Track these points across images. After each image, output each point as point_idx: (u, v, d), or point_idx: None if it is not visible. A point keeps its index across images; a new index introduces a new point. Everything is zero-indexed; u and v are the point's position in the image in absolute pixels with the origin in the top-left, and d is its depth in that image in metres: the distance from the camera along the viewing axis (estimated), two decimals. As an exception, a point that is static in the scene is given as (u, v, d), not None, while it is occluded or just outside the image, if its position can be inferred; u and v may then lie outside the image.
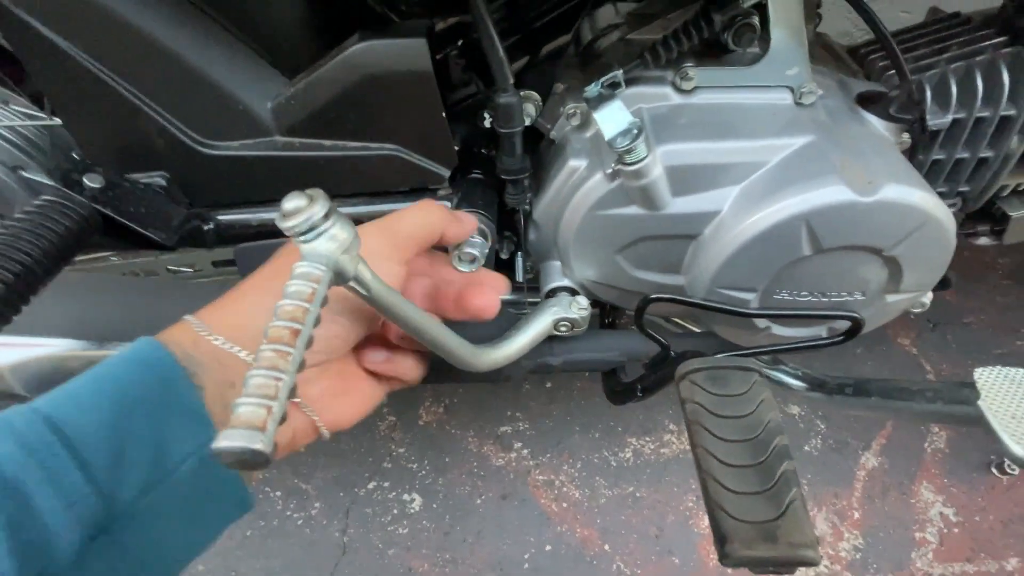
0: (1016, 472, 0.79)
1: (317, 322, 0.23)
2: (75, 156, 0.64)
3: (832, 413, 0.86)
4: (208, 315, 0.31)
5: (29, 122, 0.58)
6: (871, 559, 0.74)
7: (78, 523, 0.22)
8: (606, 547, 0.76)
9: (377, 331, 0.36)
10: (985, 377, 0.38)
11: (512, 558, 0.75)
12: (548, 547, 0.76)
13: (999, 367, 0.39)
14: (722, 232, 0.40)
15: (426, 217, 0.35)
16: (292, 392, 0.20)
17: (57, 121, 0.56)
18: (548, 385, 0.91)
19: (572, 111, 0.46)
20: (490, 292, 0.36)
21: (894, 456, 0.82)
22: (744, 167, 0.40)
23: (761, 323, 0.46)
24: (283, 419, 0.19)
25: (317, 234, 0.25)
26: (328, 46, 0.44)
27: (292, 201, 0.25)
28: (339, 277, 0.26)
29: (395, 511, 0.79)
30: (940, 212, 0.37)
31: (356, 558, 0.76)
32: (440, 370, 0.43)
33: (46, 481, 0.22)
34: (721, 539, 0.31)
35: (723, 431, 0.36)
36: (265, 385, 0.19)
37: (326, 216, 0.25)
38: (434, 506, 0.80)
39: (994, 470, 0.80)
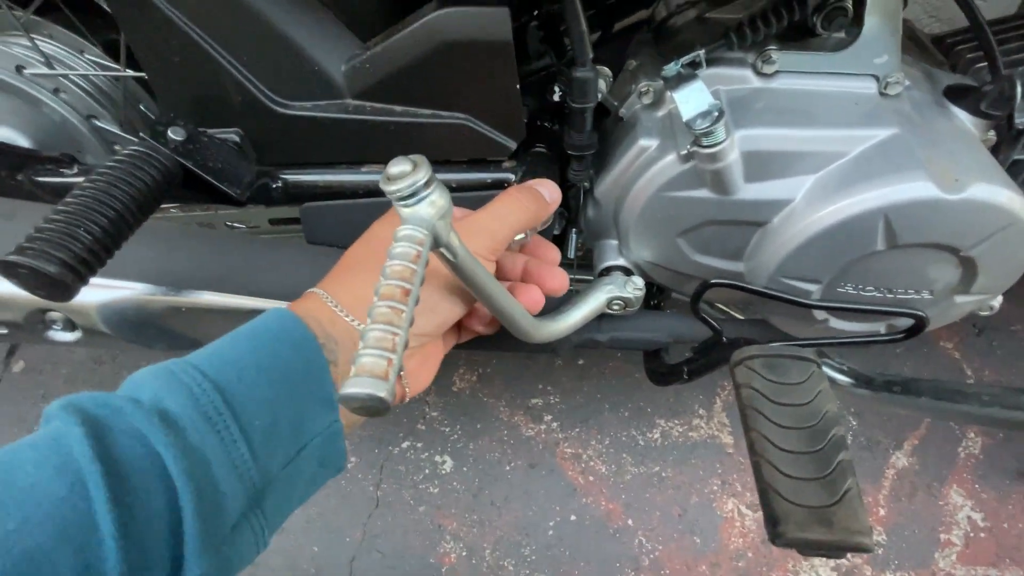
0: (1051, 483, 0.78)
1: (421, 282, 0.24)
2: (143, 109, 0.66)
3: (865, 411, 0.86)
4: (337, 291, 0.32)
5: (103, 72, 0.60)
6: (893, 555, 0.75)
7: (244, 493, 0.24)
8: (629, 522, 0.78)
9: None
10: (1050, 385, 0.38)
11: (537, 524, 0.78)
12: (573, 517, 0.78)
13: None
14: (793, 221, 0.40)
15: (522, 215, 0.37)
16: (405, 346, 0.21)
17: (130, 72, 0.57)
18: (580, 362, 0.92)
19: (645, 89, 0.45)
20: (560, 274, 0.37)
21: (926, 457, 0.82)
22: (822, 156, 0.39)
23: (820, 315, 0.45)
24: (401, 370, 0.20)
25: (419, 199, 0.26)
26: (404, 11, 0.44)
27: (397, 166, 0.26)
28: (434, 242, 0.27)
29: (427, 471, 0.82)
30: (1026, 213, 0.36)
31: (388, 511, 0.79)
32: (485, 339, 0.44)
33: (222, 451, 0.24)
34: (774, 520, 0.32)
35: (780, 417, 0.36)
36: (383, 339, 0.21)
37: (427, 183, 0.26)
38: (464, 469, 0.82)
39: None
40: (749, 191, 0.40)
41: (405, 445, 0.85)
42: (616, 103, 0.49)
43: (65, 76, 0.59)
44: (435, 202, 0.26)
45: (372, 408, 0.20)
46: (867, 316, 0.44)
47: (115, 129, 0.62)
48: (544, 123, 0.52)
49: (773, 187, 0.40)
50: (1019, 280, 0.41)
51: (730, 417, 0.86)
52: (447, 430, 0.86)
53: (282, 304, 0.47)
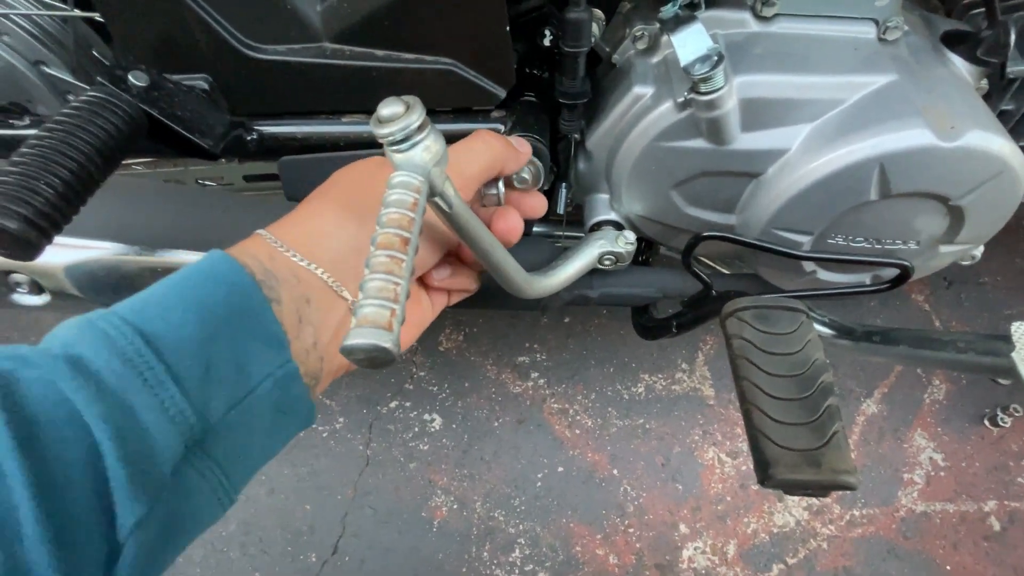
0: (1008, 424, 0.83)
1: (420, 231, 0.23)
2: (95, 53, 0.61)
3: (839, 361, 0.89)
4: (282, 231, 0.30)
5: (50, 12, 0.55)
6: (860, 495, 0.80)
7: (179, 436, 0.23)
8: (615, 471, 0.81)
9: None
10: (1022, 332, 0.39)
11: (526, 477, 0.80)
12: (560, 468, 0.81)
13: (1038, 321, 0.39)
14: (788, 172, 0.40)
15: (490, 154, 0.35)
16: (407, 296, 0.20)
17: (80, 13, 0.52)
18: (566, 320, 0.92)
19: (640, 33, 0.43)
20: (512, 217, 0.35)
21: (893, 404, 0.86)
22: (820, 104, 0.39)
23: (808, 266, 0.46)
24: (403, 320, 0.20)
25: (412, 144, 0.24)
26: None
27: (389, 107, 0.24)
28: (429, 191, 0.26)
29: (416, 429, 0.83)
30: (1018, 163, 0.36)
31: (379, 469, 0.80)
32: (474, 297, 0.43)
33: (148, 394, 0.22)
34: (764, 464, 0.33)
35: (770, 366, 0.37)
36: (385, 288, 0.20)
37: (421, 126, 0.24)
38: (453, 426, 0.83)
39: (986, 422, 0.84)
40: (745, 140, 0.40)
41: (394, 405, 0.85)
42: (609, 49, 0.47)
43: (6, 16, 0.53)
44: (430, 147, 0.25)
45: (377, 359, 0.19)
46: (855, 267, 0.45)
47: (67, 76, 0.57)
48: (534, 70, 0.50)
49: (770, 136, 0.39)
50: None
51: (711, 371, 0.88)
52: (435, 389, 0.86)
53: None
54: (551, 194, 0.56)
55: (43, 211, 0.33)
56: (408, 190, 0.23)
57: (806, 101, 0.39)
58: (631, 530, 0.77)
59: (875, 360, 0.85)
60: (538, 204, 0.40)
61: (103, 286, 0.43)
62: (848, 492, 0.80)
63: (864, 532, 0.78)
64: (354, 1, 0.42)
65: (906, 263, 0.42)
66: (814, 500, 0.80)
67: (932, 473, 0.81)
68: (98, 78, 0.40)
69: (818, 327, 0.56)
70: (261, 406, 0.27)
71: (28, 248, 0.33)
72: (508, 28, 0.41)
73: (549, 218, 0.60)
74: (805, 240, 0.42)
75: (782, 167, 0.40)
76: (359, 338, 0.18)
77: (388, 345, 0.18)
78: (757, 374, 0.37)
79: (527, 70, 0.50)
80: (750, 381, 0.37)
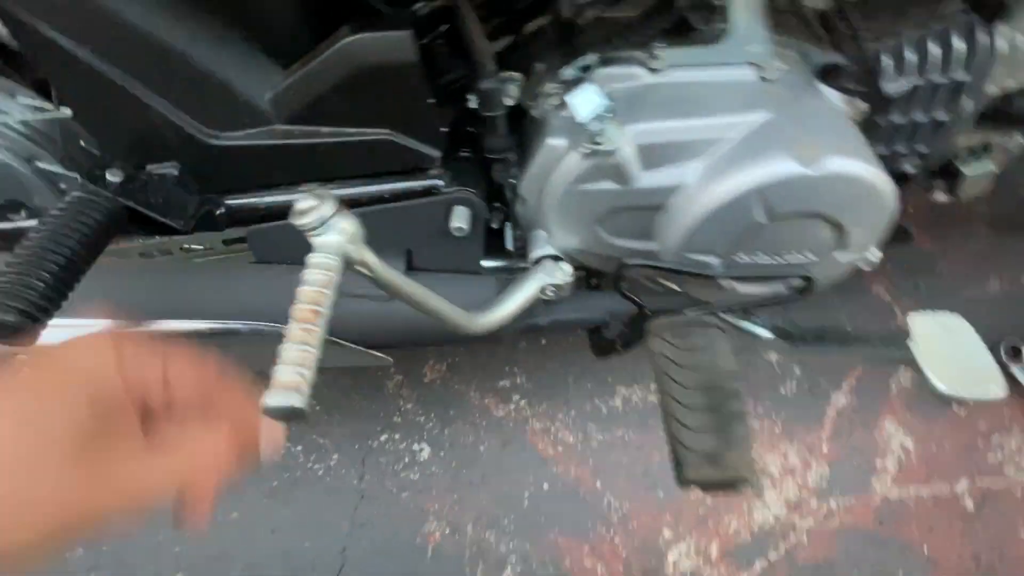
0: (972, 405, 0.86)
1: (332, 305, 0.28)
2: (82, 144, 0.67)
3: (807, 359, 0.93)
4: None
5: (37, 116, 0.61)
6: (835, 486, 0.83)
7: None
8: (598, 484, 0.84)
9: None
10: (918, 321, 0.44)
11: (513, 496, 0.84)
12: (545, 485, 0.84)
13: (933, 311, 0.44)
14: (688, 203, 0.45)
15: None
16: (318, 363, 0.25)
17: (66, 112, 0.59)
18: (543, 343, 0.97)
19: (552, 91, 0.49)
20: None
21: (862, 395, 0.89)
22: (708, 143, 0.44)
23: (726, 283, 0.51)
24: (312, 383, 0.25)
25: (327, 228, 0.30)
26: (320, 36, 0.47)
27: (305, 202, 0.29)
28: (347, 263, 0.31)
29: (406, 459, 0.87)
30: (879, 180, 0.41)
31: (373, 502, 0.84)
32: (432, 335, 0.48)
33: None
34: (677, 466, 0.37)
35: (684, 378, 0.41)
36: (299, 357, 0.25)
37: (334, 213, 0.30)
38: (441, 454, 0.87)
39: (952, 404, 0.87)
40: (646, 179, 0.45)
41: (383, 438, 0.89)
42: (530, 104, 0.53)
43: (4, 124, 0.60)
44: (344, 229, 0.30)
45: (291, 416, 0.24)
46: (763, 280, 0.50)
47: (58, 169, 0.64)
48: (468, 128, 0.55)
49: (667, 174, 0.45)
50: (942, 224, 0.46)
51: (684, 378, 0.92)
52: (422, 419, 0.91)
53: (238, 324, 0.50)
54: (501, 233, 0.61)
55: (36, 303, 0.39)
56: (323, 269, 0.28)
57: (696, 142, 0.44)
58: (617, 539, 0.81)
59: (815, 356, 0.89)
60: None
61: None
62: (824, 484, 0.83)
63: (842, 523, 0.81)
64: (297, 88, 0.48)
65: (806, 273, 0.47)
66: (792, 494, 0.83)
67: (904, 459, 0.84)
68: (79, 179, 0.46)
69: (760, 331, 0.61)
70: None
71: (25, 336, 0.38)
72: (431, 100, 0.47)
73: (500, 254, 0.66)
74: (714, 260, 0.47)
75: (682, 200, 0.45)
76: (276, 399, 0.23)
77: (300, 404, 0.23)
78: (673, 387, 0.41)
79: (461, 129, 0.56)
80: (668, 394, 0.41)
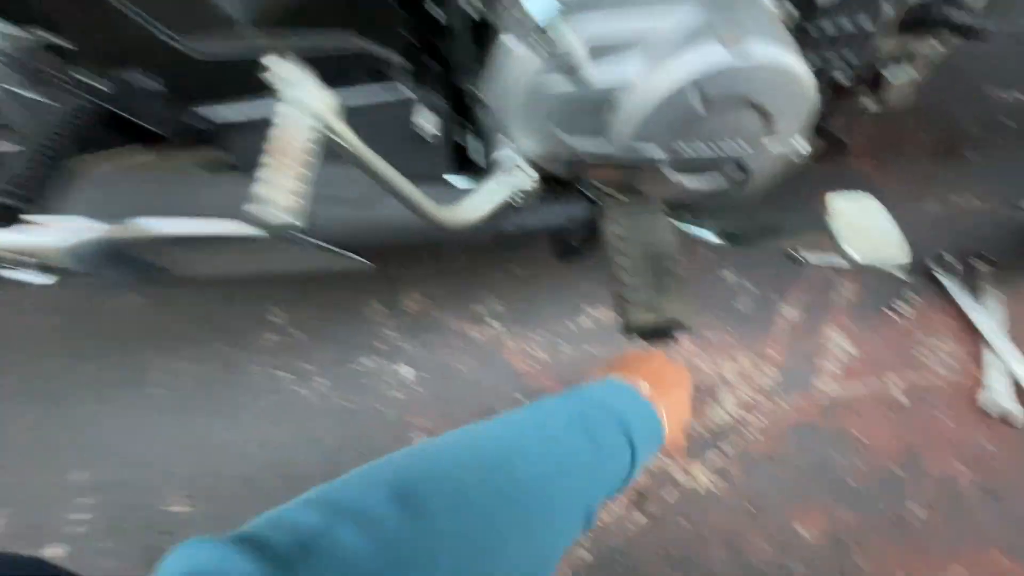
0: (906, 311, 0.95)
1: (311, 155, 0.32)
2: (49, 68, 0.68)
3: (759, 276, 1.00)
4: None
5: (9, 42, 0.62)
6: (782, 386, 0.91)
7: None
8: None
9: None
10: (834, 200, 0.50)
11: (491, 407, 0.90)
12: (518, 395, 0.91)
13: (847, 191, 0.50)
14: (632, 96, 0.49)
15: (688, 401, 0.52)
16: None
17: (35, 36, 0.60)
18: (518, 272, 1.02)
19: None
20: None
21: (808, 306, 0.97)
22: (645, 36, 0.48)
23: (673, 176, 0.56)
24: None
25: (303, 90, 0.33)
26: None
27: (275, 61, 0.33)
28: (327, 128, 0.35)
29: (390, 380, 0.93)
30: (799, 68, 0.46)
31: (360, 420, 0.90)
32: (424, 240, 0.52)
33: None
34: (622, 316, 0.43)
35: (627, 248, 0.47)
36: (291, 183, 0.29)
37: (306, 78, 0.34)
38: (423, 374, 0.93)
39: (889, 312, 0.96)
40: (593, 72, 0.49)
41: (367, 361, 0.94)
42: (489, 13, 0.56)
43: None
44: (322, 96, 0.34)
45: (283, 231, 0.28)
46: (705, 170, 0.55)
47: (31, 93, 0.65)
48: (434, 39, 0.59)
49: (612, 68, 0.49)
50: (884, 147, 0.50)
51: (648, 298, 0.99)
52: (403, 344, 0.96)
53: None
54: (464, 151, 0.65)
55: (20, 185, 0.42)
56: (295, 122, 0.32)
57: (635, 38, 0.48)
58: (587, 441, 0.88)
59: (767, 258, 0.96)
60: None
61: (99, 260, 0.52)
62: (771, 385, 0.91)
63: (790, 419, 0.90)
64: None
65: (742, 163, 0.52)
66: (745, 397, 0.91)
67: (844, 361, 0.93)
68: (67, 84, 0.49)
69: (708, 235, 0.67)
70: None
71: (8, 212, 0.41)
72: (396, 5, 0.50)
73: (470, 169, 0.70)
74: (658, 152, 0.52)
75: (628, 93, 0.50)
76: (275, 216, 0.28)
77: (300, 223, 0.28)
78: (619, 256, 0.47)
79: (428, 39, 0.59)
80: (615, 263, 0.47)
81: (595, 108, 0.52)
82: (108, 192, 0.52)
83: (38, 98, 0.65)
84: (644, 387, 0.45)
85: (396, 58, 0.53)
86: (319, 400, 0.91)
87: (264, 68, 0.51)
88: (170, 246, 0.54)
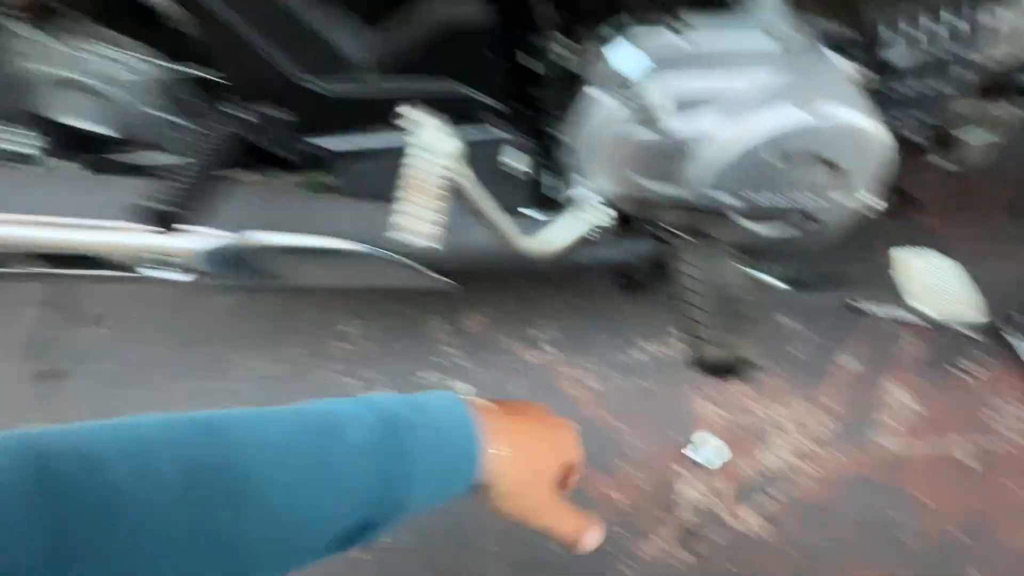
0: (972, 370, 0.92)
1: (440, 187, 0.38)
2: (193, 98, 0.79)
3: (817, 324, 1.00)
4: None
5: (169, 74, 0.73)
6: (838, 437, 0.90)
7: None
8: (618, 425, 0.93)
9: None
10: (899, 255, 0.52)
11: (542, 431, 0.93)
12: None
13: (913, 247, 0.52)
14: (711, 148, 0.53)
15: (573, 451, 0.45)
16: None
17: (188, 70, 0.71)
18: (574, 300, 1.06)
19: (592, 48, 0.58)
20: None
21: (867, 358, 0.96)
22: (726, 94, 0.53)
23: (743, 224, 0.59)
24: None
25: (432, 133, 0.39)
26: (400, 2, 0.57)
27: (414, 114, 0.39)
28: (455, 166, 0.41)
29: (447, 395, 0.98)
30: (872, 128, 0.49)
31: (417, 429, 0.95)
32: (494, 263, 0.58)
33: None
34: (694, 351, 0.46)
35: (699, 287, 0.50)
36: (424, 212, 0.35)
37: (439, 127, 0.40)
38: (481, 393, 0.98)
39: (955, 370, 0.93)
40: (674, 125, 0.54)
41: (426, 375, 1.00)
42: (578, 66, 0.62)
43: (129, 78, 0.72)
44: (449, 137, 0.40)
45: (419, 247, 0.34)
46: (778, 219, 0.58)
47: (178, 119, 0.76)
48: (527, 87, 0.65)
49: (693, 121, 0.53)
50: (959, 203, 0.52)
51: (702, 336, 1.00)
52: (461, 361, 1.01)
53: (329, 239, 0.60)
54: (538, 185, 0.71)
55: (181, 198, 0.49)
56: (428, 155, 0.38)
57: (718, 95, 0.53)
58: (634, 473, 0.89)
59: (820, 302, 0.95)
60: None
61: (225, 264, 0.59)
62: (824, 433, 0.90)
63: (844, 470, 0.88)
64: (384, 41, 0.58)
65: (813, 214, 0.55)
66: (798, 444, 0.90)
67: (905, 417, 0.91)
68: (216, 115, 0.58)
69: (771, 280, 0.69)
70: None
71: (167, 220, 0.49)
72: (501, 57, 0.56)
73: (545, 205, 0.75)
74: (732, 200, 0.56)
75: (706, 144, 0.54)
76: (413, 238, 0.33)
77: (434, 244, 0.33)
78: (689, 294, 0.50)
79: (522, 86, 0.65)
80: (685, 300, 0.50)
81: (673, 156, 0.56)
82: (235, 206, 0.60)
83: (188, 124, 0.76)
84: (489, 418, 0.37)
85: (492, 103, 0.59)
86: (381, 408, 0.97)
87: (391, 111, 0.59)
88: (282, 257, 0.62)
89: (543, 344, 1.02)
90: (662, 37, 0.54)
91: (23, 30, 0.68)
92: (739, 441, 0.91)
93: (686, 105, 0.53)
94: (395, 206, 0.35)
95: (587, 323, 1.03)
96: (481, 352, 1.02)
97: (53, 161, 0.68)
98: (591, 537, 0.40)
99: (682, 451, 0.89)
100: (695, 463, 0.89)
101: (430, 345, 1.03)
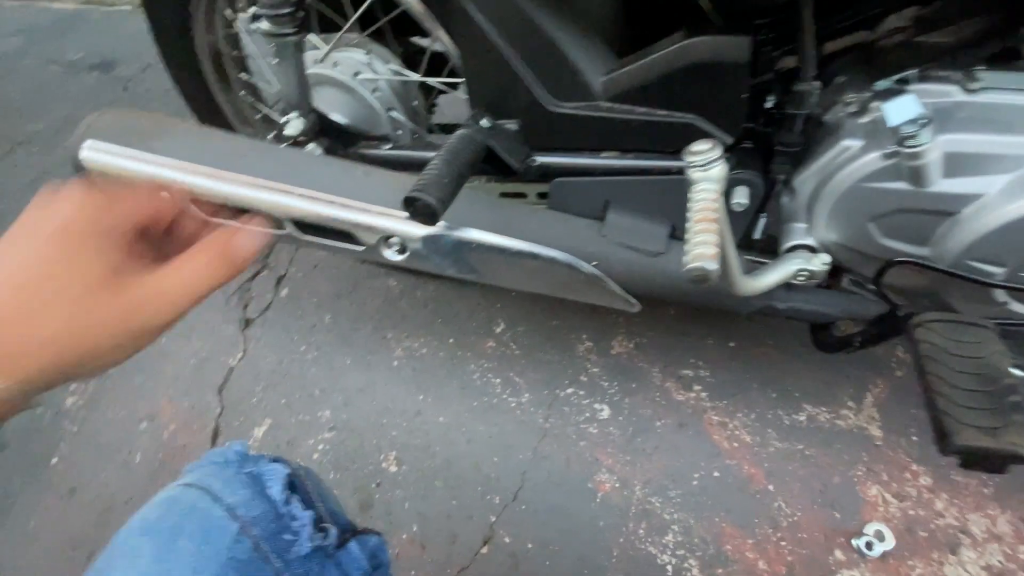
0: None
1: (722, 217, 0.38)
2: (415, 105, 0.89)
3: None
4: None
5: (400, 78, 0.83)
6: None
7: None
8: (770, 487, 0.86)
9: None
10: None
11: (683, 474, 0.89)
12: (716, 473, 0.89)
13: None
14: (984, 212, 0.48)
15: (212, 279, 0.33)
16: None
17: (417, 77, 0.80)
18: (731, 344, 1.01)
19: (851, 100, 0.56)
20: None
21: (1106, 484, 0.79)
22: (1017, 159, 0.47)
23: (1000, 297, 0.52)
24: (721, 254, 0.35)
25: (713, 166, 0.40)
26: (654, 36, 0.59)
27: (700, 144, 0.41)
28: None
29: (587, 414, 0.98)
30: None
31: (554, 441, 0.96)
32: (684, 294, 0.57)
33: None
34: (944, 434, 0.42)
35: (955, 364, 0.45)
36: (711, 238, 0.35)
37: (719, 157, 0.40)
38: (620, 418, 0.96)
39: None
40: (944, 185, 0.49)
41: (570, 391, 1.01)
42: (821, 111, 0.60)
43: (375, 80, 0.83)
44: (722, 170, 0.41)
45: (703, 278, 0.35)
46: (1048, 301, 0.51)
47: (403, 118, 0.86)
48: (754, 124, 0.64)
49: (968, 183, 0.49)
50: None
51: (880, 412, 0.90)
52: (606, 384, 1.01)
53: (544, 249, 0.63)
54: (753, 222, 0.69)
55: (445, 198, 0.55)
56: (709, 192, 0.39)
57: (1005, 156, 0.47)
58: (783, 543, 0.82)
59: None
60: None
61: (440, 252, 0.65)
62: (1037, 563, 0.76)
63: (1056, 609, 0.73)
64: (630, 75, 0.60)
65: (1105, 302, 0.47)
66: (995, 562, 0.77)
67: None
68: (465, 120, 0.64)
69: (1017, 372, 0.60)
70: None
71: (434, 217, 0.55)
72: (747, 96, 0.56)
73: (744, 244, 0.73)
74: (999, 271, 0.50)
75: (979, 208, 0.49)
76: (699, 263, 0.34)
77: (715, 267, 0.34)
78: (942, 369, 0.45)
79: (748, 123, 0.64)
80: (935, 375, 0.45)
81: (929, 216, 0.52)
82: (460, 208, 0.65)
83: (410, 123, 0.86)
84: None
85: (727, 139, 0.59)
86: (522, 414, 1.00)
87: (622, 135, 0.61)
88: (488, 254, 0.66)
89: (694, 385, 0.98)
90: (945, 95, 0.50)
91: (310, 37, 0.82)
92: (918, 544, 0.79)
93: (964, 165, 0.48)
94: (690, 236, 0.36)
95: (745, 372, 0.98)
96: (626, 379, 1.01)
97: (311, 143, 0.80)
98: (239, 246, 0.32)
99: (851, 540, 0.80)
100: (861, 554, 0.79)
101: (575, 362, 1.04)
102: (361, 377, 1.07)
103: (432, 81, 0.81)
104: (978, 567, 0.77)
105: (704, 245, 0.35)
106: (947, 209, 0.50)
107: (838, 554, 0.80)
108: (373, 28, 0.83)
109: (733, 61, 0.54)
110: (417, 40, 0.95)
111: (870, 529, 0.80)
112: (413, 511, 0.92)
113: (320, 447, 1.01)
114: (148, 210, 0.31)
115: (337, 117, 0.83)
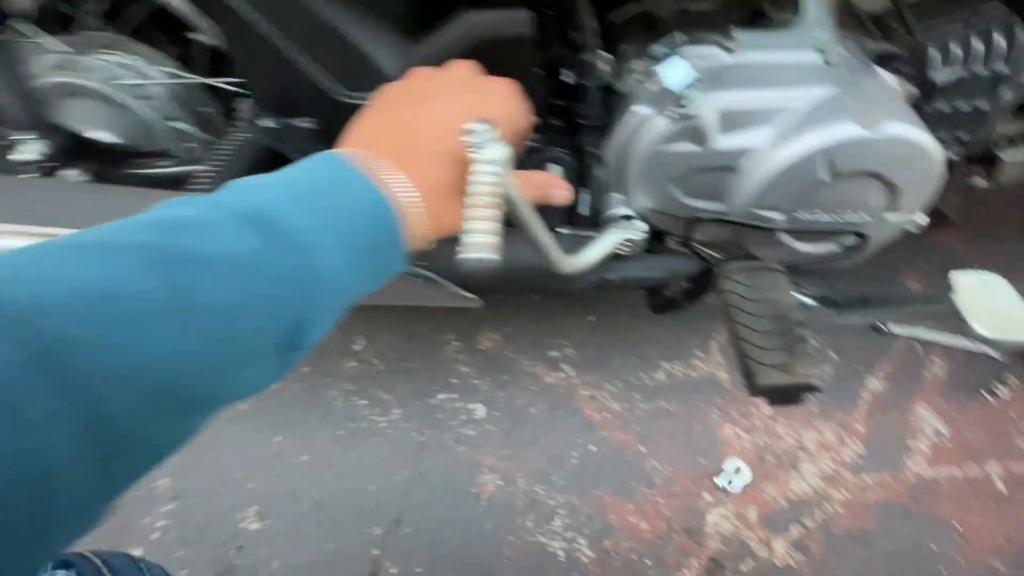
0: (1004, 395, 0.90)
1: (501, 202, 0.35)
2: (200, 110, 0.77)
3: (843, 346, 0.98)
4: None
5: (176, 81, 0.71)
6: (869, 463, 0.87)
7: None
8: (641, 448, 0.90)
9: None
10: (960, 278, 0.50)
11: (562, 455, 0.90)
12: (592, 447, 0.90)
13: (973, 270, 0.50)
14: (758, 164, 0.52)
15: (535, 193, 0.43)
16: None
17: (193, 78, 0.69)
18: (591, 319, 1.04)
19: (638, 67, 0.57)
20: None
21: (896, 381, 0.94)
22: (778, 112, 0.51)
23: (786, 240, 0.57)
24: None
25: (491, 146, 0.37)
26: (442, 15, 0.56)
27: (475, 124, 0.37)
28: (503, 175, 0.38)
29: (463, 417, 0.94)
30: (929, 144, 0.48)
31: (432, 454, 0.91)
32: (522, 279, 0.55)
33: None
34: (749, 376, 0.44)
35: (753, 309, 0.48)
36: (488, 226, 0.32)
37: (495, 136, 0.37)
38: (496, 414, 0.94)
39: (984, 393, 0.91)
40: (722, 142, 0.52)
41: (442, 397, 0.96)
42: (616, 81, 0.61)
43: (141, 86, 0.70)
44: (503, 150, 0.38)
45: (483, 266, 0.31)
46: (821, 237, 0.56)
47: (190, 128, 0.74)
48: (558, 102, 0.63)
49: (741, 137, 0.52)
50: (976, 226, 0.51)
51: (725, 357, 0.98)
52: (477, 382, 0.98)
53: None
54: (575, 199, 0.69)
55: None
56: (491, 174, 0.36)
57: (768, 110, 0.51)
58: (659, 500, 0.86)
59: (855, 325, 0.94)
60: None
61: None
62: (859, 460, 0.87)
63: (876, 497, 0.85)
64: (422, 57, 0.56)
65: (861, 231, 0.53)
66: (826, 468, 0.87)
67: (936, 441, 0.89)
68: (239, 123, 0.55)
69: (806, 300, 0.67)
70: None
71: None
72: (537, 70, 0.55)
73: (573, 221, 0.73)
74: (778, 216, 0.54)
75: (753, 160, 0.52)
76: (474, 253, 0.31)
77: (495, 256, 0.31)
78: (743, 316, 0.48)
79: (555, 101, 0.63)
80: (738, 323, 0.48)
81: (717, 173, 0.54)
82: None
83: (199, 134, 0.74)
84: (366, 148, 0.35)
85: (534, 118, 0.58)
86: (394, 431, 0.93)
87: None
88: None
89: (561, 364, 0.99)
90: (712, 57, 0.53)
91: (43, 40, 0.66)
92: (768, 468, 0.87)
93: (736, 121, 0.51)
94: (465, 224, 0.32)
95: (607, 343, 1.01)
96: (497, 372, 0.98)
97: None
98: (559, 194, 0.43)
99: (714, 479, 0.86)
100: (725, 491, 0.85)
101: (444, 365, 1.00)
102: (202, 433, 0.93)
103: (214, 82, 0.70)
104: (815, 476, 0.87)
105: (477, 234, 0.31)
106: (728, 164, 0.53)
107: (706, 496, 0.86)
108: (133, 25, 0.69)
109: (517, 35, 0.52)
110: (197, 36, 0.83)
111: (729, 465, 0.87)
112: (284, 568, 0.81)
113: (160, 524, 0.86)
114: None
115: (96, 134, 0.69)
